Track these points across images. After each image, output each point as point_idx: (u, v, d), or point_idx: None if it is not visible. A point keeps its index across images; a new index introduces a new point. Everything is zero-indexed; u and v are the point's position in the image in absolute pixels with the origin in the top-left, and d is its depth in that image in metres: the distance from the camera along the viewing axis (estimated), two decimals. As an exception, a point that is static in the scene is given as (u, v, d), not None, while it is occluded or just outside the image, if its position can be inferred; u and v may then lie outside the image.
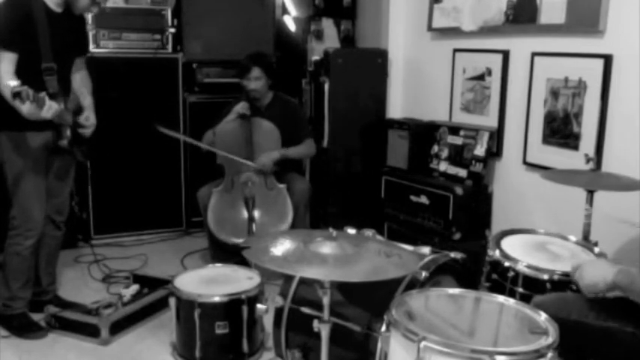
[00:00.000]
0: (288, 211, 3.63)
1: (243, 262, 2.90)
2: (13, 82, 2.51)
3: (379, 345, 1.82)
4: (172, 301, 2.70)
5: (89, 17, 4.07)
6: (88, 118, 2.99)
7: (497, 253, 2.36)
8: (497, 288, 2.32)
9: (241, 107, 3.72)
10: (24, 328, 3.00)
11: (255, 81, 3.77)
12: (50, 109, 2.63)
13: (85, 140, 3.02)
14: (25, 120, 2.66)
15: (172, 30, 4.31)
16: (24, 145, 2.86)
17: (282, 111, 3.87)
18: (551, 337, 1.66)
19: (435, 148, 3.77)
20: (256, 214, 3.52)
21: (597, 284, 1.84)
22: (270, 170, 3.68)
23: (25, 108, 2.58)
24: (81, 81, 3.11)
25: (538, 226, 2.69)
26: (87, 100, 3.05)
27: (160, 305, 3.13)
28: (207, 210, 3.67)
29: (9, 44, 2.72)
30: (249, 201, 3.50)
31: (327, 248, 1.91)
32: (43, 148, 2.91)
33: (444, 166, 3.70)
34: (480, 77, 3.59)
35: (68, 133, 2.88)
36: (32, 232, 2.95)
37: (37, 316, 3.06)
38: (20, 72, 2.71)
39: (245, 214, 3.54)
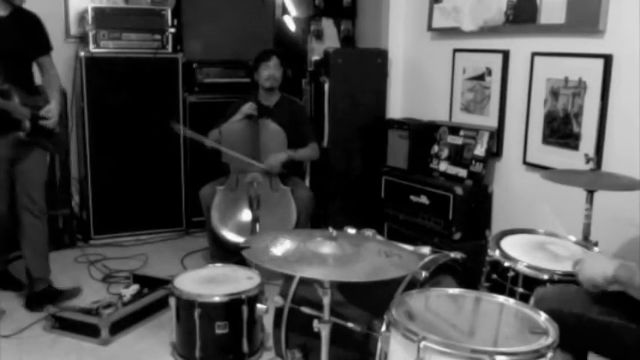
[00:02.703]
0: (292, 213, 3.64)
1: (243, 262, 2.90)
2: None
3: (379, 345, 1.82)
4: (172, 301, 2.70)
5: (89, 18, 4.08)
6: (50, 111, 3.17)
7: (497, 253, 2.36)
8: (497, 288, 2.32)
9: (249, 107, 3.73)
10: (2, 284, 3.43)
11: (275, 69, 3.83)
12: None
13: (52, 132, 3.22)
14: None
15: (172, 30, 4.31)
16: None
17: (289, 112, 3.89)
18: (551, 337, 1.66)
19: (435, 148, 3.77)
20: (260, 214, 3.52)
21: (596, 278, 1.84)
22: (277, 171, 3.69)
23: None
24: (47, 82, 3.31)
25: (538, 226, 2.69)
26: (53, 96, 3.25)
27: (160, 305, 3.13)
28: (210, 208, 3.67)
29: None
30: (253, 201, 3.50)
31: (327, 248, 1.91)
32: (5, 146, 3.09)
33: (444, 166, 3.70)
34: (480, 77, 3.59)
35: (27, 125, 3.08)
36: None
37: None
38: None
39: (249, 213, 3.54)
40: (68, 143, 3.41)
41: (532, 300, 2.06)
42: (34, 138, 3.14)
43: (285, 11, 4.93)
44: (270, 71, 3.83)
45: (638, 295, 1.76)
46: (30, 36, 3.21)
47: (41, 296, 3.23)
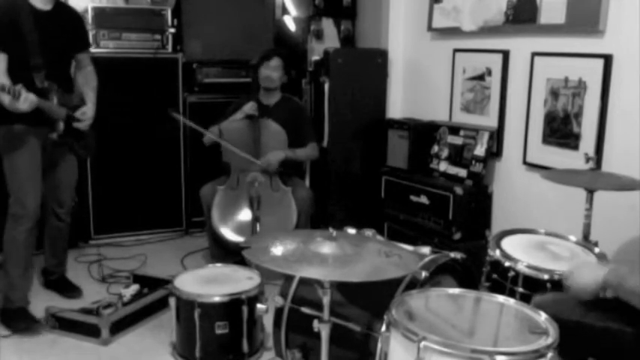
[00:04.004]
0: (293, 214, 3.64)
1: (244, 262, 2.90)
2: None
3: (379, 345, 1.82)
4: (172, 301, 2.70)
5: (89, 17, 4.08)
6: (85, 113, 3.10)
7: (497, 253, 2.36)
8: (497, 288, 2.32)
9: (250, 107, 3.73)
10: (21, 323, 3.03)
11: (273, 70, 3.83)
12: (26, 100, 2.75)
13: (83, 134, 3.14)
14: (18, 114, 2.81)
15: (172, 30, 4.31)
16: (19, 138, 2.99)
17: (289, 112, 3.89)
18: (551, 337, 1.66)
19: (435, 148, 3.77)
20: (261, 214, 3.52)
21: (588, 286, 1.85)
22: (275, 169, 3.69)
23: (6, 99, 2.74)
24: (84, 78, 3.25)
25: (538, 226, 2.69)
26: (89, 97, 3.18)
27: (160, 305, 3.13)
28: (211, 207, 3.68)
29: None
30: (254, 201, 3.50)
31: (327, 248, 1.91)
32: (39, 142, 3.03)
33: (444, 166, 3.70)
34: (480, 77, 3.59)
35: (61, 126, 3.01)
36: (25, 219, 3.06)
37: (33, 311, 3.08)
38: (11, 70, 2.86)
39: (249, 213, 3.54)
40: (95, 145, 3.33)
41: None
42: (66, 139, 3.07)
43: (285, 11, 4.92)
44: (268, 72, 3.82)
45: (629, 299, 1.77)
46: (72, 31, 3.16)
47: (56, 284, 3.45)
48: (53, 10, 3.02)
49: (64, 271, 3.54)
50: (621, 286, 1.78)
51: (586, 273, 1.89)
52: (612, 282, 1.80)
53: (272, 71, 3.82)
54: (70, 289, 3.44)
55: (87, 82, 3.24)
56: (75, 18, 3.21)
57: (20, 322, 3.03)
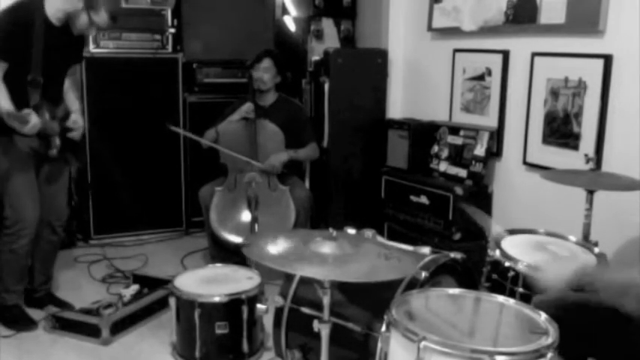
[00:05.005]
0: (291, 213, 3.64)
1: (243, 262, 2.91)
2: None
3: (379, 345, 1.82)
4: (172, 301, 2.71)
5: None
6: (76, 122, 2.99)
7: (497, 253, 2.36)
8: (497, 288, 2.32)
9: (246, 108, 3.73)
10: (16, 321, 3.02)
11: (264, 72, 3.81)
12: (34, 127, 2.68)
13: (76, 145, 3.05)
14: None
15: (172, 30, 4.31)
16: (11, 148, 2.86)
17: (286, 112, 3.88)
18: (551, 337, 1.67)
19: (435, 148, 3.77)
20: (259, 214, 3.52)
21: (558, 281, 1.85)
22: (277, 172, 3.69)
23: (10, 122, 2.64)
24: (69, 88, 3.13)
25: (538, 226, 2.69)
26: (75, 105, 3.08)
27: (160, 305, 3.13)
28: (209, 209, 3.68)
29: (1, 53, 2.74)
30: (252, 201, 3.50)
31: (327, 248, 1.91)
32: (32, 151, 2.91)
33: (444, 166, 3.70)
34: (480, 77, 3.59)
35: (57, 142, 2.89)
36: (25, 232, 2.97)
37: (36, 316, 3.08)
38: (6, 80, 2.72)
39: (248, 213, 3.54)
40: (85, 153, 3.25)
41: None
42: (62, 154, 2.93)
43: (285, 11, 4.92)
44: (258, 74, 3.81)
45: (601, 288, 1.78)
46: (75, 47, 3.07)
47: (39, 300, 3.22)
48: (63, 27, 2.88)
49: (49, 287, 3.32)
50: (597, 278, 1.78)
51: (555, 269, 1.89)
52: (584, 277, 1.81)
53: (263, 73, 3.81)
54: (59, 305, 3.18)
55: (71, 89, 3.13)
56: (80, 37, 3.05)
57: (17, 321, 3.02)
